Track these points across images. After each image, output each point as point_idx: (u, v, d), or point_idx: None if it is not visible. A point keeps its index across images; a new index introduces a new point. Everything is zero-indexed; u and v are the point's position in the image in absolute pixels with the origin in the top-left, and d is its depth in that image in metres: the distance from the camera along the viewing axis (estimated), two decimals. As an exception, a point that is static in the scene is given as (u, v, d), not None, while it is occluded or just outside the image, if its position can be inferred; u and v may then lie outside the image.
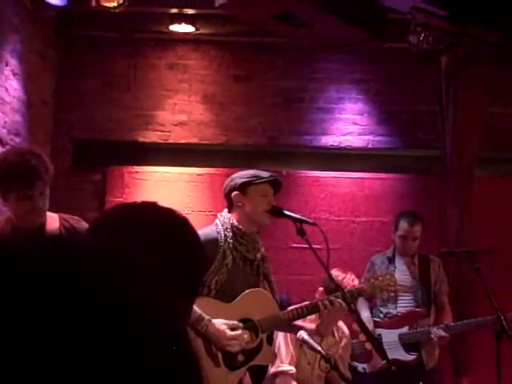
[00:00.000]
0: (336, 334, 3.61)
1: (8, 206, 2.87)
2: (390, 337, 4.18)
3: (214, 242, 3.08)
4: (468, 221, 4.93)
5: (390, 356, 4.08)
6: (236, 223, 3.15)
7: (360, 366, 4.14)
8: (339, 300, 3.06)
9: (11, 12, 4.67)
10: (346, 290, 3.16)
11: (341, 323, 3.67)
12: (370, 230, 5.52)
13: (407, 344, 4.19)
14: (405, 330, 4.20)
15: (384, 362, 3.93)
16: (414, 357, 4.17)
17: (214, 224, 3.21)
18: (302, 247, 4.70)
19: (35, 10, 4.95)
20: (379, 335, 4.20)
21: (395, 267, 4.37)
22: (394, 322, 4.24)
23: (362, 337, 3.34)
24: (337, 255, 4.54)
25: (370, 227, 5.52)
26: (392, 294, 4.29)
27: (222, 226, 3.16)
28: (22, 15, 4.82)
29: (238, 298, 3.12)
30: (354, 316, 2.80)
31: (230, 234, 3.14)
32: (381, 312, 4.33)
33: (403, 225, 4.35)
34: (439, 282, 4.38)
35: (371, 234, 5.50)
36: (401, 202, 5.46)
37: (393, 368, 2.70)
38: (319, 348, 2.75)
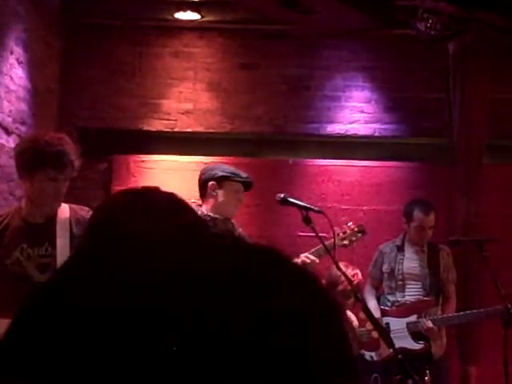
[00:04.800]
0: None
1: (28, 187, 2.81)
2: (397, 325, 4.17)
3: None
4: (476, 209, 4.90)
5: (398, 344, 4.07)
6: (205, 212, 3.36)
7: (367, 354, 4.13)
8: (314, 258, 3.39)
9: (15, 0, 4.65)
10: (318, 247, 3.38)
11: (349, 313, 3.67)
12: (377, 219, 5.49)
13: (415, 332, 4.17)
14: (413, 318, 4.18)
15: (391, 350, 3.94)
16: (422, 345, 4.14)
17: None
18: (308, 236, 4.68)
19: (40, -2, 4.93)
20: (387, 323, 4.18)
21: (404, 255, 4.34)
22: (401, 310, 4.22)
23: (369, 325, 3.33)
24: (343, 244, 4.52)
25: (377, 216, 5.49)
26: (400, 283, 4.27)
27: None
28: (26, 3, 4.79)
29: None
30: (360, 304, 2.79)
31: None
32: (388, 300, 4.31)
33: (418, 215, 4.30)
34: (447, 270, 4.36)
35: (378, 222, 5.48)
36: (408, 191, 5.43)
37: (399, 356, 2.68)
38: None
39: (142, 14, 5.43)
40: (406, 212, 4.42)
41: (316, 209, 3.05)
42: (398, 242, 4.43)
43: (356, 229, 3.75)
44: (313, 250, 3.52)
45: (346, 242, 3.70)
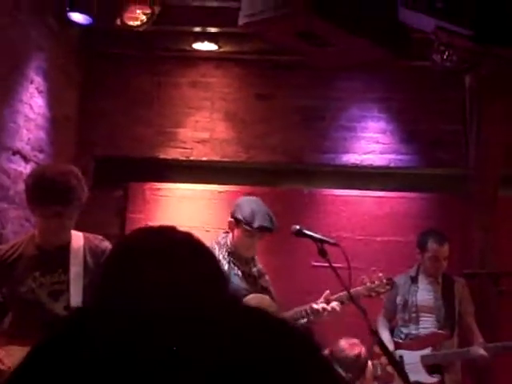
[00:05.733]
0: None
1: (35, 219, 2.88)
2: (411, 358, 4.12)
3: None
4: (491, 241, 4.86)
5: (412, 378, 4.02)
6: (229, 244, 3.45)
7: None
8: (337, 303, 3.26)
9: (36, 30, 4.74)
10: (343, 293, 3.27)
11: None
12: (392, 250, 5.46)
13: (429, 366, 4.12)
14: (427, 351, 4.13)
15: None
16: (436, 379, 4.09)
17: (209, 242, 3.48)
18: (322, 266, 4.67)
19: (60, 29, 5.02)
20: (400, 356, 4.13)
21: (418, 287, 4.30)
22: (415, 343, 4.17)
23: (384, 359, 3.30)
24: (357, 274, 4.50)
25: (392, 246, 5.47)
26: (413, 315, 4.23)
27: (217, 244, 3.46)
28: (46, 33, 4.88)
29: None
30: (375, 337, 2.77)
31: (224, 249, 3.44)
32: (402, 332, 4.26)
33: (432, 245, 4.28)
34: (464, 303, 4.30)
35: (392, 253, 5.45)
36: (423, 222, 5.41)
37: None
38: (339, 370, 2.72)
39: (160, 44, 5.51)
40: (419, 243, 4.39)
41: (331, 241, 3.05)
42: (412, 273, 4.39)
43: (385, 280, 3.59)
44: (335, 296, 3.41)
45: (372, 294, 3.55)
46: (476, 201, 4.96)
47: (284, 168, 5.60)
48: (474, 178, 4.97)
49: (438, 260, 4.27)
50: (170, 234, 1.19)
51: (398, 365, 3.14)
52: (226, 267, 3.32)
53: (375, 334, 2.71)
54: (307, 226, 3.36)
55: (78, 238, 2.87)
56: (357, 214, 5.54)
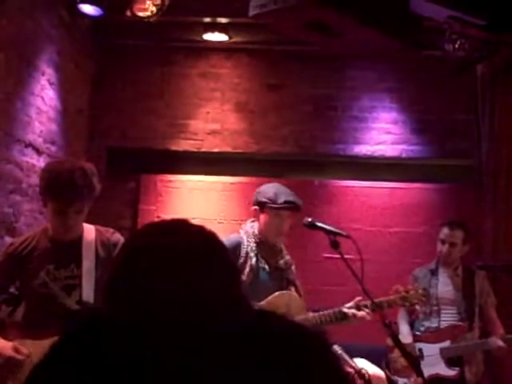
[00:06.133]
0: None
1: (47, 214, 2.90)
2: (430, 351, 4.09)
3: (236, 245, 3.27)
4: (504, 232, 4.84)
5: (431, 371, 4.02)
6: (257, 232, 3.35)
7: (401, 381, 4.06)
8: (368, 311, 3.08)
9: (48, 23, 4.74)
10: (376, 301, 3.15)
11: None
12: (403, 241, 5.45)
13: (449, 358, 4.10)
14: (446, 344, 4.11)
15: (425, 377, 3.88)
16: (456, 372, 4.06)
17: (237, 232, 3.42)
18: (334, 257, 4.66)
19: (71, 20, 5.02)
20: (420, 349, 4.12)
21: (438, 279, 4.27)
22: (435, 336, 4.15)
23: (397, 352, 3.29)
24: (369, 266, 4.47)
25: (403, 238, 5.46)
26: (435, 308, 4.20)
27: (245, 233, 3.36)
28: (58, 25, 4.89)
29: (268, 298, 3.16)
30: (388, 331, 2.76)
31: (252, 240, 3.34)
32: (422, 326, 4.23)
33: (444, 229, 4.29)
34: (485, 294, 4.24)
35: (404, 244, 5.44)
36: (435, 213, 5.39)
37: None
38: (353, 363, 2.71)
39: (170, 35, 5.51)
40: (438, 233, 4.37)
41: (344, 233, 3.03)
42: (432, 266, 4.35)
43: (420, 291, 3.48)
44: (366, 302, 3.25)
45: (406, 304, 3.44)
46: (488, 191, 4.93)
47: (295, 159, 5.59)
48: (486, 169, 4.94)
49: (444, 243, 4.24)
50: (181, 231, 1.15)
51: (412, 358, 3.13)
52: (253, 261, 3.25)
53: (388, 327, 2.70)
54: (318, 217, 3.34)
55: (89, 231, 2.89)
56: (368, 205, 5.52)
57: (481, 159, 4.97)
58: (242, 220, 5.35)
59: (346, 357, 2.78)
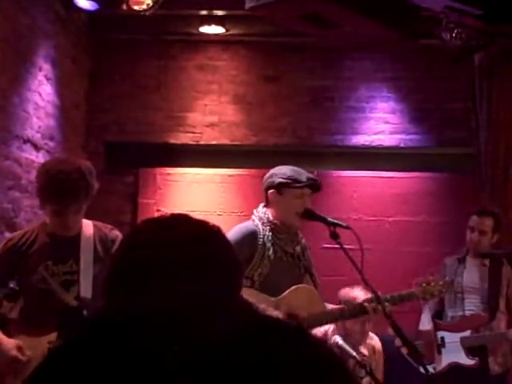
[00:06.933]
0: (365, 347, 3.56)
1: (44, 212, 2.91)
2: (452, 339, 4.08)
3: (253, 234, 3.13)
4: (504, 219, 4.84)
5: (451, 359, 4.03)
6: (271, 218, 3.18)
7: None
8: (388, 304, 3.01)
9: (44, 18, 4.73)
10: (396, 294, 3.12)
11: (374, 336, 3.63)
12: (403, 230, 5.47)
13: (469, 348, 4.07)
14: (467, 333, 4.08)
15: (444, 365, 3.90)
16: (475, 361, 4.04)
17: (251, 219, 3.25)
18: (333, 247, 4.68)
19: (67, 15, 5.01)
20: (442, 338, 4.12)
21: (465, 268, 4.24)
22: (456, 325, 4.12)
23: (398, 342, 3.30)
24: (369, 255, 4.49)
25: (403, 227, 5.47)
26: (459, 295, 4.18)
27: (260, 220, 3.19)
28: (54, 21, 4.88)
29: (286, 292, 3.10)
30: (389, 321, 2.77)
31: (268, 227, 3.17)
32: (447, 315, 4.21)
33: (473, 217, 4.20)
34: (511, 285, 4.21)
35: (403, 233, 5.46)
36: (434, 202, 5.41)
37: (429, 373, 2.66)
38: (354, 353, 2.73)
39: (167, 28, 5.49)
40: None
41: (344, 224, 3.04)
42: (460, 255, 4.32)
43: (441, 282, 3.33)
44: (386, 296, 3.16)
45: (427, 296, 3.30)
46: (486, 180, 4.94)
47: (293, 150, 5.59)
48: (484, 158, 4.95)
49: (473, 230, 4.17)
50: (181, 225, 1.11)
51: (412, 347, 3.14)
52: (270, 251, 3.12)
53: (389, 317, 2.72)
54: (317, 207, 3.34)
55: (88, 227, 2.90)
56: (367, 194, 5.54)
57: (479, 148, 4.98)
58: (241, 212, 5.38)
59: (347, 347, 2.80)
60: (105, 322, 0.64)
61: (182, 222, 1.12)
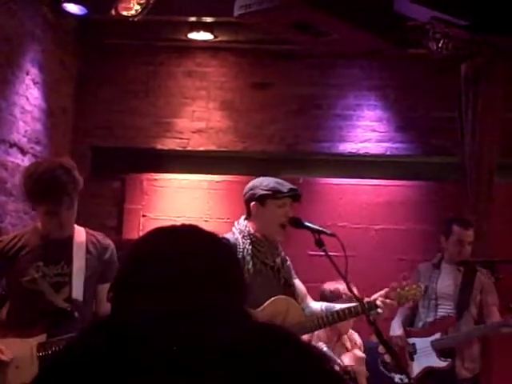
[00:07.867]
0: (348, 343, 3.59)
1: (37, 216, 2.91)
2: (422, 345, 4.12)
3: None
4: (487, 228, 4.88)
5: (424, 364, 4.06)
6: (252, 231, 3.19)
7: (397, 377, 4.07)
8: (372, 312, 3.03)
9: (31, 22, 4.73)
10: (367, 300, 3.14)
11: (353, 333, 3.65)
12: (388, 238, 5.50)
13: (440, 350, 4.12)
14: (437, 336, 4.14)
15: (419, 371, 3.93)
16: (447, 363, 4.08)
17: (231, 232, 3.24)
18: (318, 254, 4.69)
19: (55, 20, 5.01)
20: (413, 344, 4.15)
21: (439, 274, 4.27)
22: (426, 330, 4.17)
23: (381, 349, 3.31)
24: (354, 262, 4.51)
25: (388, 235, 5.50)
26: (433, 302, 4.21)
27: (240, 233, 3.20)
28: (42, 25, 4.87)
29: (265, 304, 3.11)
30: (372, 327, 2.79)
31: (248, 241, 3.18)
32: (421, 320, 4.25)
33: (457, 229, 4.23)
34: (485, 292, 4.24)
35: (389, 241, 5.49)
36: (419, 210, 5.44)
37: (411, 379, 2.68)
38: (338, 360, 2.75)
39: (155, 34, 5.50)
40: (444, 229, 4.32)
41: (328, 232, 3.05)
42: (435, 260, 4.36)
43: (415, 286, 3.26)
44: (350, 306, 3.18)
45: (402, 301, 3.23)
46: (472, 188, 4.98)
47: (280, 157, 5.61)
48: (469, 166, 4.99)
49: (463, 244, 4.21)
50: (191, 240, 1.09)
51: (395, 354, 3.15)
52: (250, 265, 3.12)
53: (373, 324, 2.73)
54: (303, 215, 3.35)
55: (80, 232, 2.92)
56: (353, 202, 5.56)
57: (464, 157, 5.02)
58: (227, 218, 5.38)
59: (332, 354, 2.81)
60: (107, 327, 0.65)
61: (190, 233, 1.11)
